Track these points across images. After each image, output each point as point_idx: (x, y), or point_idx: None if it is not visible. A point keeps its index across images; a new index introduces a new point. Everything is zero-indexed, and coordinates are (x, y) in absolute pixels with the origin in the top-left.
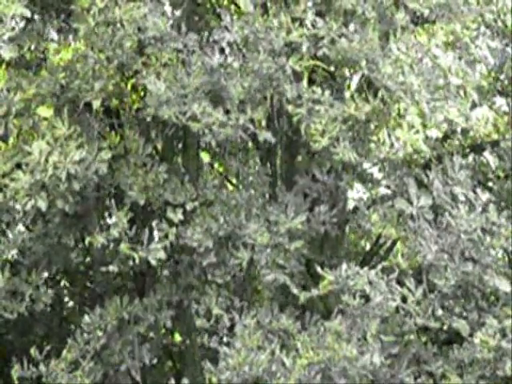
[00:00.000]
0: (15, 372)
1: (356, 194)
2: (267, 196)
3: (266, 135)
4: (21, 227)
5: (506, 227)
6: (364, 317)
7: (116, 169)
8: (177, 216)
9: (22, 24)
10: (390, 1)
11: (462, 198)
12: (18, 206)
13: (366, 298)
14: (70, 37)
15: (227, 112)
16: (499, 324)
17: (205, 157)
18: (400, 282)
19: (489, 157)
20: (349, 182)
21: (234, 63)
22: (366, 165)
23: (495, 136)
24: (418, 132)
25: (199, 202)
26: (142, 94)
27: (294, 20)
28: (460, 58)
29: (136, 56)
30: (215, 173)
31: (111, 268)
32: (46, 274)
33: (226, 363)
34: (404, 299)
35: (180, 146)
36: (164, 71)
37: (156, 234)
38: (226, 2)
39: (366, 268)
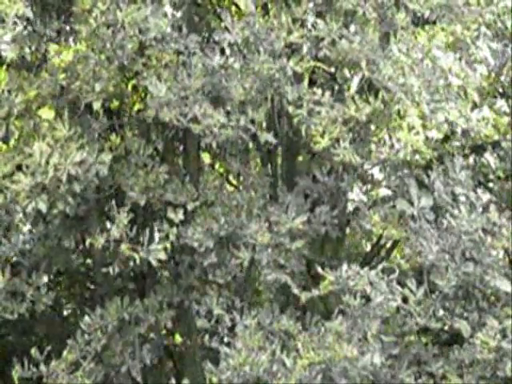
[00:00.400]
0: (16, 372)
1: (356, 195)
2: (268, 196)
3: (266, 136)
4: (21, 229)
5: (506, 228)
6: (365, 317)
7: (117, 170)
8: (177, 216)
9: (22, 25)
10: (391, 2)
11: (462, 199)
12: (18, 208)
13: (367, 299)
14: (71, 38)
15: (228, 113)
16: (500, 325)
17: (205, 157)
18: (401, 283)
19: (489, 157)
20: (349, 182)
21: (234, 64)
22: (366, 166)
23: (496, 137)
24: (418, 133)
25: (200, 202)
26: (143, 95)
27: (294, 21)
28: (460, 59)
29: (137, 57)
30: (216, 173)
31: (112, 269)
32: (46, 276)
33: (227, 363)
34: (405, 300)
35: (181, 146)
36: (165, 72)
37: (156, 234)
38: (226, 3)
39: (366, 268)
